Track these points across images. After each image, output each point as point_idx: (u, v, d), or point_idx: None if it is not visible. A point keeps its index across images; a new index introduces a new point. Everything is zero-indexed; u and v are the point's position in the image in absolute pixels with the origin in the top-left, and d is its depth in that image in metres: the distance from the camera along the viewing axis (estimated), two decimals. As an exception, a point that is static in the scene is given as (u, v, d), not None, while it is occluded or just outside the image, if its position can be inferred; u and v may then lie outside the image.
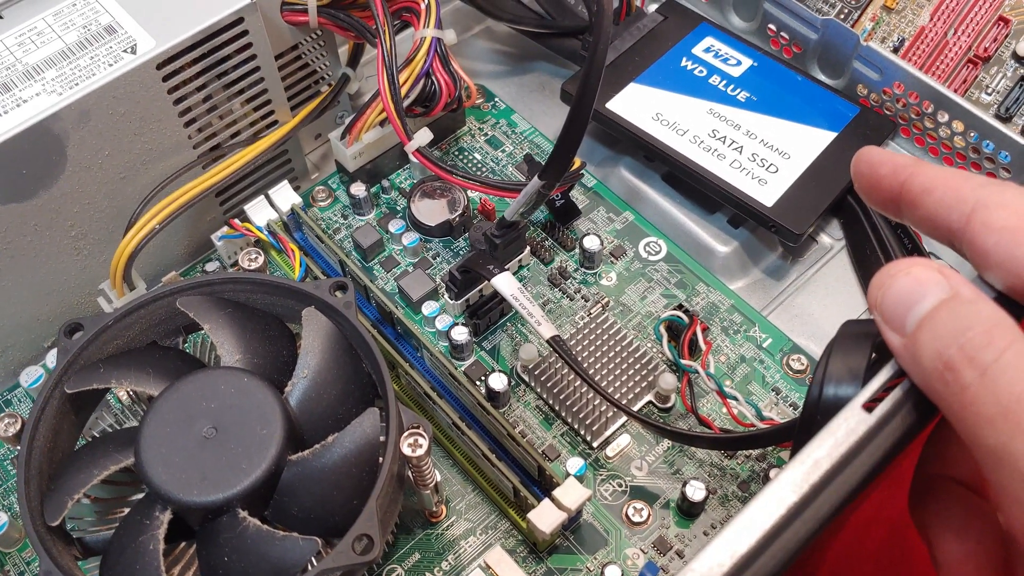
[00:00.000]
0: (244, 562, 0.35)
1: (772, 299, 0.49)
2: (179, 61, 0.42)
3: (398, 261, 0.50)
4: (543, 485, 0.40)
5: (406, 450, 0.36)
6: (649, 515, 0.42)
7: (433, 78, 0.48)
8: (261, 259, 0.42)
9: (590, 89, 0.38)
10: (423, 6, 0.48)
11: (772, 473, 0.42)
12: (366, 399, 0.39)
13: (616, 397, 0.43)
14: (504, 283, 0.43)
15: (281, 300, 0.41)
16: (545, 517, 0.39)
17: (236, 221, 0.47)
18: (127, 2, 0.42)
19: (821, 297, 0.50)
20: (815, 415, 0.34)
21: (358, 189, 0.50)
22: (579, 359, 0.44)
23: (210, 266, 0.50)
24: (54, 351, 0.45)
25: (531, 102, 0.57)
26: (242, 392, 0.37)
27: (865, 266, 0.50)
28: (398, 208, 0.52)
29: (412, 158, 0.47)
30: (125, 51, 0.41)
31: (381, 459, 0.36)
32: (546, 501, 0.39)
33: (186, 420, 0.36)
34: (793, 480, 0.26)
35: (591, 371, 0.44)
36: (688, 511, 0.42)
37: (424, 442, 0.36)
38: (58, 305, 0.46)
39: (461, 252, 0.50)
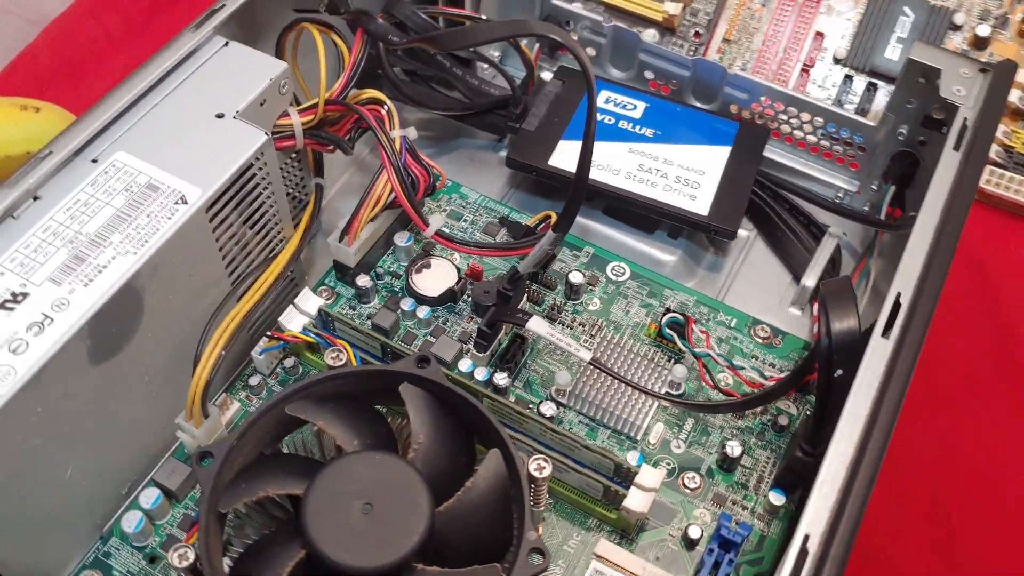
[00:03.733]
0: None
1: (720, 288, 0.60)
2: (220, 202, 0.47)
3: (416, 334, 0.56)
4: (623, 478, 0.48)
5: (534, 472, 0.43)
6: (700, 480, 0.51)
7: (409, 171, 0.56)
8: (344, 356, 0.48)
9: (587, 153, 0.47)
10: (384, 111, 0.55)
11: (781, 420, 0.53)
12: (470, 447, 0.46)
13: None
14: (538, 325, 0.51)
15: (369, 386, 0.46)
16: (639, 500, 0.47)
17: (277, 332, 0.52)
18: (155, 160, 0.46)
19: (754, 278, 0.61)
20: (831, 355, 0.45)
21: (364, 281, 0.56)
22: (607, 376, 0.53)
23: (253, 379, 0.54)
24: (149, 491, 0.48)
25: (469, 174, 0.65)
26: (380, 468, 0.42)
27: (780, 245, 0.62)
28: (395, 289, 0.58)
29: (432, 240, 0.54)
30: (176, 203, 0.45)
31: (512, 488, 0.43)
32: (633, 489, 0.47)
33: (341, 502, 0.41)
34: (864, 398, 0.36)
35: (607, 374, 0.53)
36: (729, 467, 0.51)
37: (547, 465, 0.44)
38: (137, 451, 0.49)
39: (463, 313, 0.57)
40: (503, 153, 0.66)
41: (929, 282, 0.42)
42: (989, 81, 0.51)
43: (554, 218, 0.56)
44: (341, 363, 0.47)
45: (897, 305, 0.42)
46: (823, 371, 0.46)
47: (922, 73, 0.54)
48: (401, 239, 0.58)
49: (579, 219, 0.62)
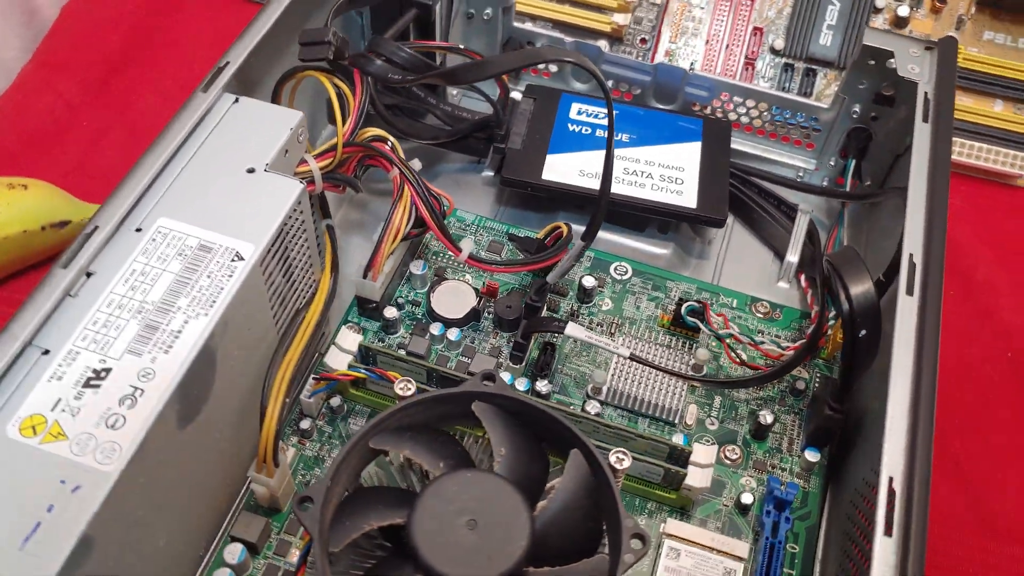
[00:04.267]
0: None
1: (713, 274, 0.65)
2: (269, 254, 0.48)
3: (447, 356, 0.58)
4: (678, 459, 0.52)
5: (615, 464, 0.46)
6: (739, 451, 0.55)
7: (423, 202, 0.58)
8: (412, 386, 0.49)
9: (609, 165, 0.51)
10: (388, 147, 0.57)
11: (798, 385, 0.58)
12: (544, 452, 0.48)
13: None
14: (575, 330, 0.54)
15: (437, 410, 0.49)
16: (699, 477, 0.51)
17: (325, 373, 0.53)
18: (199, 221, 0.47)
19: (741, 261, 0.66)
20: (860, 326, 0.50)
21: (391, 312, 0.58)
22: (646, 369, 0.56)
23: (304, 423, 0.55)
24: (232, 546, 0.49)
25: (457, 197, 0.67)
26: (473, 484, 0.45)
27: (758, 227, 0.67)
28: (418, 316, 0.60)
29: (467, 264, 0.56)
30: (232, 260, 0.46)
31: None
32: (691, 467, 0.51)
33: (446, 522, 0.43)
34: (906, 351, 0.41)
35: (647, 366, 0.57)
36: (762, 435, 0.56)
37: (625, 457, 0.47)
38: (211, 510, 0.49)
39: (487, 330, 0.60)
40: (486, 173, 0.69)
41: (934, 243, 0.48)
42: (936, 57, 0.57)
43: (564, 228, 0.59)
44: (411, 392, 0.49)
45: (912, 265, 0.47)
46: (847, 333, 0.51)
47: (872, 56, 0.60)
48: (416, 268, 0.60)
49: (573, 227, 0.65)
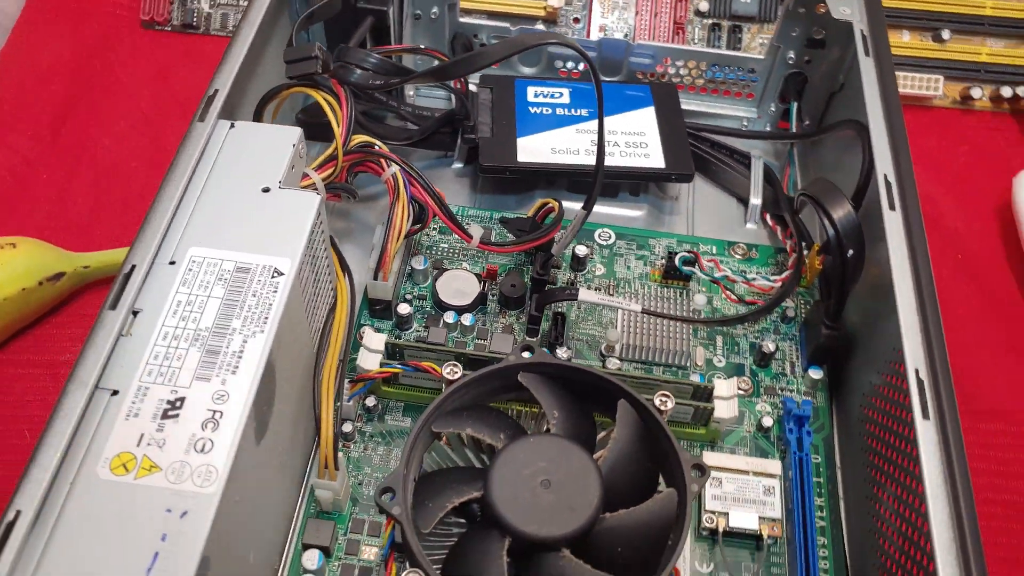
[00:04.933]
0: None
1: (687, 225, 0.69)
2: (304, 266, 0.49)
3: (464, 341, 0.61)
4: (703, 396, 0.56)
5: (659, 406, 0.50)
6: (748, 381, 0.60)
7: (415, 200, 0.60)
8: (459, 369, 0.52)
9: (601, 138, 0.54)
10: (375, 150, 0.59)
11: (788, 312, 0.62)
12: (590, 410, 0.51)
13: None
14: (588, 295, 0.58)
15: (486, 387, 0.51)
16: (726, 408, 0.55)
17: (361, 375, 0.55)
18: (229, 245, 0.48)
19: (709, 211, 0.70)
20: (847, 247, 0.54)
21: (404, 309, 0.60)
22: (652, 315, 0.60)
23: (345, 427, 0.56)
24: (309, 553, 0.50)
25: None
26: (538, 448, 0.47)
27: (718, 178, 0.72)
28: (427, 309, 0.62)
29: (478, 248, 0.59)
30: (273, 277, 0.48)
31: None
32: (717, 401, 0.55)
33: (522, 487, 0.46)
34: (902, 259, 0.46)
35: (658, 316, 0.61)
36: (766, 363, 0.61)
37: (668, 399, 0.50)
38: (283, 523, 0.51)
39: (495, 312, 0.62)
40: (456, 165, 0.71)
41: (903, 165, 0.53)
42: (862, -2, 0.63)
43: (554, 204, 0.62)
44: (459, 375, 0.51)
45: (889, 184, 0.52)
46: (836, 255, 0.56)
47: (803, 4, 0.65)
48: (418, 263, 0.62)
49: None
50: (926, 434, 0.44)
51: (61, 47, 0.76)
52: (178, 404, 0.43)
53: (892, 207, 0.51)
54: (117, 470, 0.41)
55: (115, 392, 0.43)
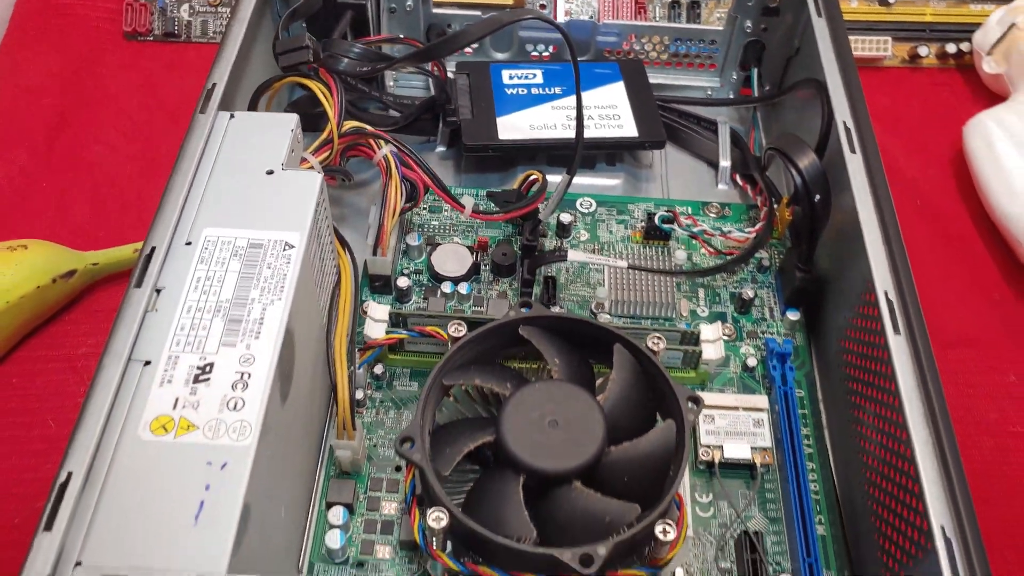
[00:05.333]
0: (577, 517, 0.50)
1: (662, 190, 0.73)
2: (311, 240, 0.53)
3: (463, 309, 0.64)
4: (690, 341, 0.60)
5: (652, 347, 0.54)
6: (731, 328, 0.64)
7: (407, 180, 0.63)
8: (464, 327, 0.55)
9: (580, 110, 0.58)
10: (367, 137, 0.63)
11: (764, 262, 0.66)
12: (586, 356, 0.55)
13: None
14: (576, 255, 0.61)
15: (490, 342, 0.55)
16: (713, 350, 0.59)
17: (371, 342, 0.58)
18: (240, 224, 0.51)
19: (681, 175, 0.74)
20: (814, 192, 0.59)
21: (404, 282, 0.63)
22: (637, 270, 0.64)
23: (358, 394, 0.59)
24: (335, 509, 0.53)
25: (422, 174, 0.73)
26: (544, 392, 0.51)
27: (688, 144, 0.76)
28: (424, 282, 0.65)
29: (471, 218, 0.62)
30: (285, 250, 0.51)
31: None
32: (704, 344, 0.59)
33: (533, 428, 0.50)
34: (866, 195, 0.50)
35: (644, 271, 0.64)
36: (747, 309, 0.65)
37: (660, 339, 0.54)
38: (307, 482, 0.54)
39: (488, 280, 0.66)
40: (439, 149, 0.75)
41: (860, 112, 0.57)
42: (811, -37, 0.67)
43: (537, 175, 0.66)
44: (463, 332, 0.55)
45: (848, 130, 0.57)
46: (805, 201, 0.60)
47: (756, -26, 0.70)
48: (412, 240, 0.66)
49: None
50: (899, 348, 0.48)
51: (49, 62, 0.79)
52: (207, 369, 0.46)
53: (853, 151, 0.55)
54: (157, 431, 0.44)
55: (147, 362, 0.46)
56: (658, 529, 0.47)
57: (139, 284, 0.48)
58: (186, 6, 0.83)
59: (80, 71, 0.79)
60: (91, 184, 0.72)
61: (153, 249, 0.50)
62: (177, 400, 0.45)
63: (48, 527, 0.40)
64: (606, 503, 0.48)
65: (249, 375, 0.46)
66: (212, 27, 0.83)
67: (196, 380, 0.46)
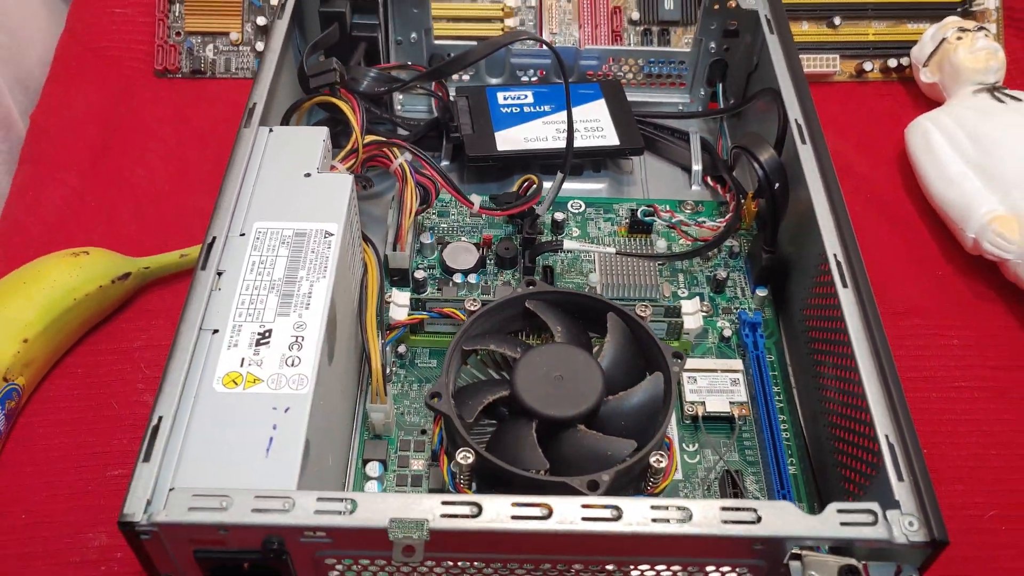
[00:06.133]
0: (583, 454, 0.58)
1: (643, 192, 0.83)
2: (345, 230, 0.61)
3: (473, 297, 0.73)
4: (673, 314, 0.69)
5: (641, 313, 0.63)
6: (708, 305, 0.73)
7: (420, 185, 0.72)
8: (478, 303, 0.64)
9: (570, 122, 0.67)
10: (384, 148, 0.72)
11: (734, 249, 0.76)
12: (583, 326, 0.64)
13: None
14: (571, 244, 0.70)
15: (502, 314, 0.63)
16: (693, 320, 0.68)
17: (396, 322, 0.67)
18: (286, 217, 0.60)
19: (659, 179, 0.84)
20: (774, 181, 0.68)
21: (420, 274, 0.72)
22: (629, 257, 0.73)
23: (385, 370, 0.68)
24: (372, 464, 0.62)
25: (430, 185, 0.82)
26: (549, 353, 0.60)
27: (664, 152, 0.86)
28: (437, 275, 0.74)
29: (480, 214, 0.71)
30: (325, 237, 0.59)
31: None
32: (685, 316, 0.68)
33: (542, 382, 0.58)
34: (817, 179, 0.59)
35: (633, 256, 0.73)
36: (721, 288, 0.74)
37: (647, 308, 0.63)
38: (346, 438, 0.62)
39: (493, 272, 0.75)
40: (443, 163, 0.84)
41: (808, 110, 0.67)
42: (763, -10, 0.78)
43: (533, 178, 0.75)
44: (478, 306, 0.63)
45: (799, 125, 0.66)
46: (767, 190, 0.69)
47: (716, 1, 0.80)
48: (426, 238, 0.75)
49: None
50: (847, 298, 0.57)
51: (90, 97, 0.88)
52: (267, 335, 0.55)
53: (804, 142, 0.65)
54: (228, 385, 0.52)
55: (215, 331, 0.54)
56: (652, 459, 0.56)
57: (204, 267, 0.57)
58: (211, 46, 0.92)
59: (119, 104, 0.88)
60: (134, 201, 0.81)
61: (214, 239, 0.58)
62: (243, 360, 0.53)
63: (146, 459, 0.48)
64: (607, 440, 0.57)
65: (303, 338, 0.54)
66: (234, 64, 0.93)
67: (258, 344, 0.54)
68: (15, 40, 0.88)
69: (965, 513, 0.64)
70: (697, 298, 0.70)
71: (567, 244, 0.71)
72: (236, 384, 0.52)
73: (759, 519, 0.46)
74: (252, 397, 0.52)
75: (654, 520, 0.46)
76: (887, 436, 0.50)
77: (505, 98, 0.85)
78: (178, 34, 0.92)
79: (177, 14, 0.92)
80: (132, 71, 0.91)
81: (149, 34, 0.92)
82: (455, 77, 0.87)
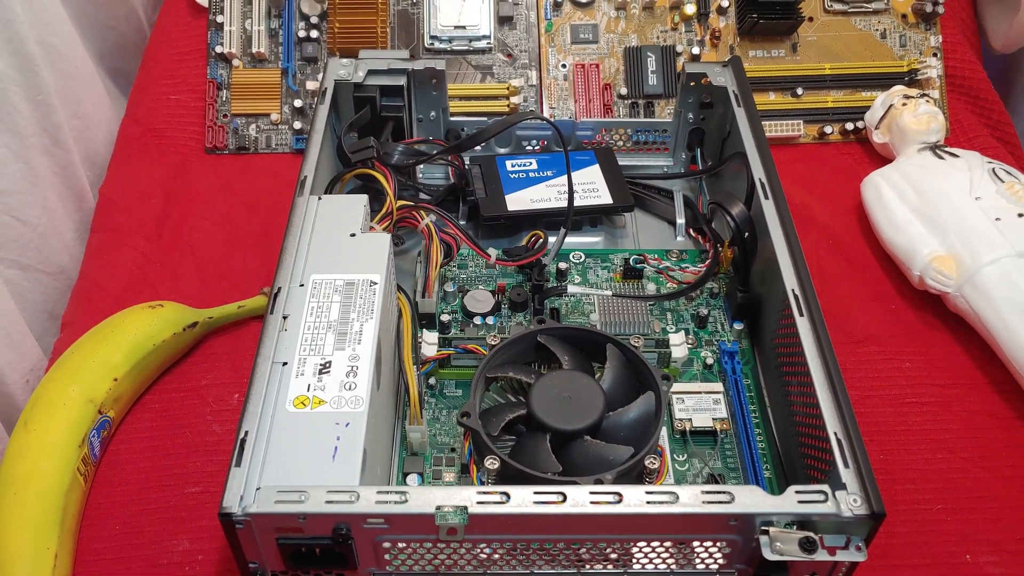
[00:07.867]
0: (589, 459, 0.70)
1: (634, 243, 0.95)
2: (385, 280, 0.74)
3: (495, 335, 0.85)
4: (663, 345, 0.81)
5: (635, 344, 0.74)
6: (692, 338, 0.85)
7: (444, 242, 0.85)
8: (498, 338, 0.75)
9: (570, 184, 0.80)
10: (413, 211, 0.85)
11: (715, 290, 0.88)
12: (586, 357, 0.76)
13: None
14: (575, 288, 0.83)
15: (518, 348, 0.75)
16: (680, 350, 0.80)
17: (428, 357, 0.79)
18: (336, 270, 0.72)
19: (647, 231, 0.96)
20: (744, 231, 0.81)
21: (445, 318, 0.84)
22: (623, 298, 0.85)
23: (418, 398, 0.79)
24: (411, 477, 0.73)
25: (449, 242, 0.94)
26: (559, 379, 0.71)
27: (650, 209, 0.98)
28: (459, 318, 0.86)
29: (495, 265, 0.83)
30: (371, 286, 0.72)
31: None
32: (673, 347, 0.80)
33: (553, 401, 0.70)
34: (778, 227, 0.72)
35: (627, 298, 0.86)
36: (703, 324, 0.86)
37: (640, 340, 0.75)
38: (387, 454, 0.73)
39: (507, 315, 0.87)
40: (460, 223, 0.97)
41: (770, 171, 0.80)
42: (732, 70, 0.91)
43: (540, 234, 0.88)
44: (498, 341, 0.75)
45: (763, 183, 0.79)
46: (739, 239, 0.82)
47: (693, 79, 0.93)
48: (449, 287, 0.87)
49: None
50: (803, 325, 0.69)
51: (150, 172, 1.01)
52: (328, 366, 0.66)
53: (767, 197, 0.78)
54: (298, 406, 0.64)
55: (284, 363, 0.66)
56: (647, 461, 0.67)
57: (272, 312, 0.69)
58: (253, 126, 1.06)
59: (176, 178, 1.01)
60: (193, 260, 0.93)
61: (279, 289, 0.70)
62: (309, 385, 0.65)
63: (238, 464, 0.59)
64: (609, 448, 0.68)
65: (357, 367, 0.66)
66: (274, 141, 1.06)
67: (320, 372, 0.66)
68: (85, 123, 1.02)
69: (915, 507, 0.75)
70: (683, 332, 0.82)
71: (571, 289, 0.83)
72: (304, 405, 0.64)
73: (732, 499, 0.57)
74: (318, 415, 0.63)
75: (648, 502, 0.57)
76: (835, 433, 0.62)
77: (513, 165, 0.98)
78: (225, 116, 1.06)
79: (224, 99, 1.06)
80: (186, 149, 1.04)
81: (200, 116, 1.06)
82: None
